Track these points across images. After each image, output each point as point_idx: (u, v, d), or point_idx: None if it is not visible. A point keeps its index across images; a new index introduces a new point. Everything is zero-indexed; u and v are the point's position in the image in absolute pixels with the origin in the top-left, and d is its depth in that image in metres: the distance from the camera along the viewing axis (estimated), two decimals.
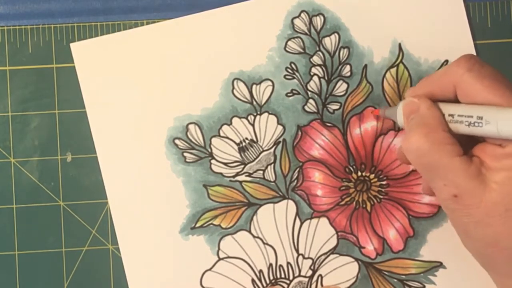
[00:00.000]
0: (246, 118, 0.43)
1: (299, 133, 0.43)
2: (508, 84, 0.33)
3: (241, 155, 0.43)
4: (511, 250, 0.33)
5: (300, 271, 0.43)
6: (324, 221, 0.43)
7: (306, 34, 0.44)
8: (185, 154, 0.43)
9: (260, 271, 0.43)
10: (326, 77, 0.44)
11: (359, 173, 0.43)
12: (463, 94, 0.34)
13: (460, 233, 0.35)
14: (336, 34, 0.44)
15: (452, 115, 0.34)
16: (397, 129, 0.43)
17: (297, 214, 0.43)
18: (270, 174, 0.43)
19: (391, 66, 0.44)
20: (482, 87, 0.33)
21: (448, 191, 0.34)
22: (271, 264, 0.43)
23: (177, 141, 0.43)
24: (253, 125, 0.43)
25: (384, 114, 0.41)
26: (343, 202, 0.43)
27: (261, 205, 0.43)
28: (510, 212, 0.32)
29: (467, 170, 0.33)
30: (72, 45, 0.44)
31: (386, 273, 0.43)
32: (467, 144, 0.35)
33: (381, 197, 0.43)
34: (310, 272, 0.43)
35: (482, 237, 0.33)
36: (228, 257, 0.43)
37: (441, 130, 0.34)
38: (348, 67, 0.44)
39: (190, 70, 0.43)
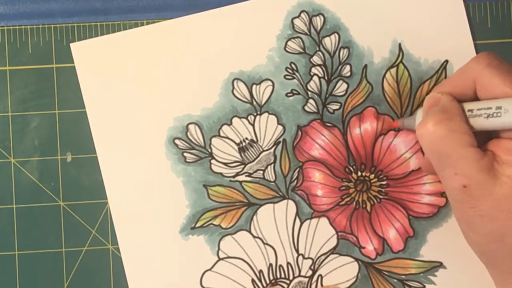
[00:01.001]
0: (246, 118, 0.43)
1: (299, 133, 0.43)
2: None
3: (241, 155, 0.43)
4: None
5: (300, 271, 0.43)
6: (324, 221, 0.43)
7: (306, 34, 0.44)
8: (185, 154, 0.43)
9: (260, 271, 0.43)
10: (326, 77, 0.44)
11: (359, 173, 0.43)
12: (482, 89, 0.34)
13: (464, 227, 0.35)
14: (336, 34, 0.44)
15: (471, 110, 0.34)
16: (397, 129, 0.43)
17: (297, 214, 0.43)
18: (270, 174, 0.43)
19: (391, 66, 0.44)
20: (501, 81, 0.33)
21: (458, 180, 0.33)
22: (271, 264, 0.43)
23: (177, 141, 0.43)
24: (253, 125, 0.43)
25: (403, 124, 0.41)
26: (343, 202, 0.43)
27: (261, 205, 0.43)
28: None
29: (480, 162, 0.33)
30: (72, 45, 0.44)
31: (386, 273, 0.43)
32: (483, 142, 0.35)
33: (381, 197, 0.43)
34: (310, 272, 0.43)
35: (487, 231, 0.33)
36: (228, 257, 0.43)
37: (459, 120, 0.34)
38: (348, 67, 0.44)
39: (190, 70, 0.43)
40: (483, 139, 0.35)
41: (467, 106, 0.35)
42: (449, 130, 0.34)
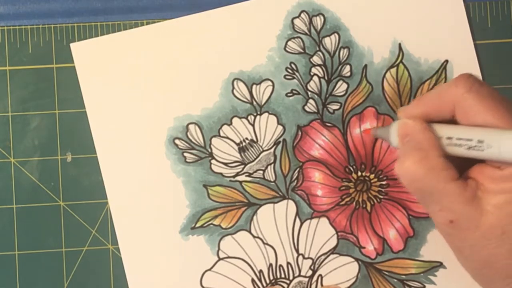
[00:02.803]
0: (246, 118, 0.43)
1: (299, 133, 0.43)
2: (506, 105, 0.33)
3: (241, 155, 0.43)
4: (506, 270, 0.33)
5: (300, 271, 0.43)
6: (324, 221, 0.43)
7: (306, 34, 0.44)
8: (185, 154, 0.43)
9: (260, 271, 0.43)
10: (326, 77, 0.44)
11: (359, 173, 0.43)
12: (462, 115, 0.34)
13: (456, 253, 0.35)
14: (336, 34, 0.44)
15: (450, 138, 0.34)
16: None
17: (297, 214, 0.43)
18: (270, 174, 0.43)
19: (391, 66, 0.44)
20: (482, 108, 0.32)
21: (443, 216, 0.34)
22: (271, 264, 0.43)
23: (177, 141, 0.43)
24: (253, 125, 0.43)
25: (376, 134, 0.41)
26: (343, 202, 0.43)
27: (261, 205, 0.43)
28: (507, 234, 0.32)
29: (463, 195, 0.33)
30: (72, 45, 0.44)
31: (386, 273, 0.43)
32: (464, 163, 0.34)
33: (381, 197, 0.43)
34: (310, 272, 0.43)
35: (477, 259, 0.33)
36: (228, 257, 0.43)
37: (435, 156, 0.34)
38: (348, 67, 0.44)
39: (190, 70, 0.43)
40: (465, 160, 0.34)
41: (446, 132, 0.34)
42: (427, 169, 0.33)
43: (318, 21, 0.44)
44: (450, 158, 0.34)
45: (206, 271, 0.43)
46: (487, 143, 0.32)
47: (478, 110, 0.33)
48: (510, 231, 0.32)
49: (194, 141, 0.43)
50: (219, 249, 0.43)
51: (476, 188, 0.33)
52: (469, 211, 0.32)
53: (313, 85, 0.44)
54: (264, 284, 0.43)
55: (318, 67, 0.44)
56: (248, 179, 0.43)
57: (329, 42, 0.44)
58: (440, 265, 0.43)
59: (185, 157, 0.43)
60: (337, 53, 0.44)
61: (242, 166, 0.43)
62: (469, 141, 0.33)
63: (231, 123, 0.43)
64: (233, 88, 0.43)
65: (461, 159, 0.34)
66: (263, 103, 0.43)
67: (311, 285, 0.43)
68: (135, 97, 0.43)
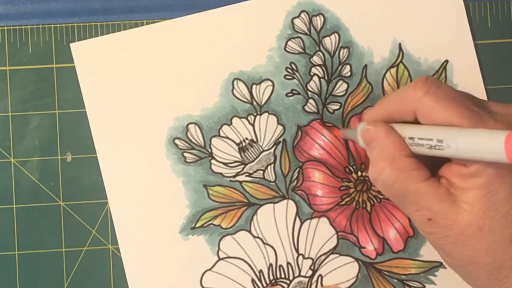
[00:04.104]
0: (246, 118, 0.43)
1: (299, 133, 0.43)
2: (466, 103, 0.33)
3: (241, 155, 0.43)
4: (489, 267, 0.33)
5: (300, 271, 0.43)
6: (324, 221, 0.43)
7: (306, 34, 0.44)
8: (185, 154, 0.43)
9: (260, 271, 0.43)
10: (326, 77, 0.44)
11: (359, 173, 0.43)
12: (422, 117, 0.34)
13: (440, 253, 0.36)
14: (336, 34, 0.44)
15: (412, 138, 0.34)
16: None
17: (297, 214, 0.43)
18: (270, 174, 0.43)
19: (391, 66, 0.44)
20: (440, 108, 0.33)
21: (421, 215, 0.34)
22: (271, 264, 0.43)
23: (177, 141, 0.43)
24: (253, 125, 0.43)
25: (345, 135, 0.41)
26: (343, 202, 0.43)
27: (261, 205, 0.43)
28: (483, 230, 0.32)
29: (436, 193, 0.33)
30: (72, 45, 0.44)
31: (386, 273, 0.43)
32: (436, 163, 0.34)
33: (381, 197, 0.43)
34: (310, 272, 0.43)
35: (460, 256, 0.34)
36: (228, 257, 0.43)
37: (403, 157, 0.34)
38: (348, 67, 0.44)
39: (190, 70, 0.43)
40: (436, 161, 0.34)
41: (408, 132, 0.34)
42: (399, 172, 0.34)
43: (318, 21, 0.44)
44: (421, 159, 0.34)
45: (206, 271, 0.43)
46: (446, 142, 0.32)
47: (437, 111, 0.33)
48: (486, 227, 0.32)
49: (194, 141, 0.43)
50: (219, 249, 0.43)
51: (448, 186, 0.33)
52: (445, 208, 0.33)
53: (313, 85, 0.44)
54: (264, 284, 0.43)
55: (318, 67, 0.44)
56: (248, 179, 0.43)
57: (329, 42, 0.44)
58: (440, 265, 0.43)
59: (185, 157, 0.43)
60: (337, 53, 0.44)
61: (242, 166, 0.43)
62: (430, 141, 0.33)
63: (231, 123, 0.43)
64: (233, 88, 0.43)
65: (432, 160, 0.34)
66: (263, 103, 0.43)
67: (311, 285, 0.43)
68: (135, 97, 0.43)
